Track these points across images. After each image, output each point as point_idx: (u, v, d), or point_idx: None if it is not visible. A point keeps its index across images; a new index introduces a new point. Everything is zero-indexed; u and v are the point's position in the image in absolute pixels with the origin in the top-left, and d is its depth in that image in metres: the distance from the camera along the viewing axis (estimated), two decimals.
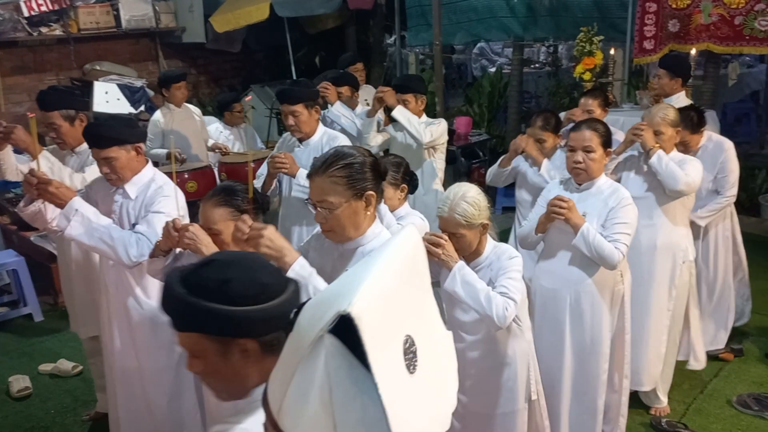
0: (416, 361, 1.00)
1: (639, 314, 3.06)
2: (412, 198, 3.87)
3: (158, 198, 2.53)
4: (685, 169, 3.01)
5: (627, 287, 2.85)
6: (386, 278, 0.98)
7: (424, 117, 3.84)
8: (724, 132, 3.99)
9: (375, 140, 3.84)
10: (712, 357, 3.74)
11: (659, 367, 3.26)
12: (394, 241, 1.06)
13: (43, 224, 2.66)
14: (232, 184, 2.27)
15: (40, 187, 2.40)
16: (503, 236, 3.84)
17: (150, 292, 2.63)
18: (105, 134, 2.50)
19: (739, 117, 8.17)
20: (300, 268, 1.81)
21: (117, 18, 6.75)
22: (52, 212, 2.58)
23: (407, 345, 0.99)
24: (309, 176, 1.92)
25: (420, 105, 3.81)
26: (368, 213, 1.92)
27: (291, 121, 3.29)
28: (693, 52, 4.94)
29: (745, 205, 5.82)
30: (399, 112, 3.68)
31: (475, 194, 2.31)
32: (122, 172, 2.54)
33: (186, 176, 4.39)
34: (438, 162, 3.91)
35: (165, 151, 4.72)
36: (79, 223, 2.39)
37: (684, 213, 3.19)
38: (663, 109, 3.14)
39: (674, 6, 5.24)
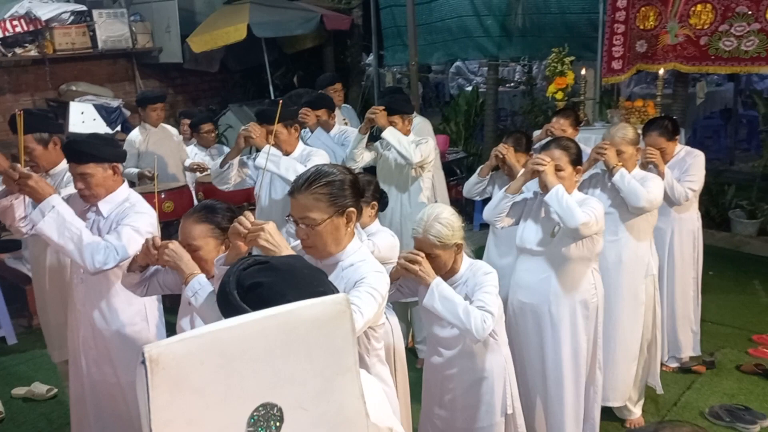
0: None
1: (607, 329, 3.11)
2: (399, 215, 3.92)
3: (131, 213, 2.56)
4: (646, 186, 3.09)
5: (600, 300, 2.91)
6: (240, 338, 1.00)
7: (412, 136, 3.86)
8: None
9: (362, 158, 3.87)
10: (685, 370, 3.82)
11: (629, 383, 3.30)
12: (295, 306, 1.08)
13: (11, 221, 2.70)
14: (214, 203, 2.31)
15: (20, 181, 2.42)
16: (480, 253, 3.88)
17: (116, 308, 2.64)
18: (84, 150, 2.53)
19: (709, 134, 8.38)
20: None
21: (93, 38, 6.72)
22: (22, 210, 2.61)
23: (261, 412, 1.02)
24: (290, 193, 1.95)
25: (407, 125, 3.82)
26: (349, 229, 1.95)
27: (272, 141, 3.33)
28: (661, 71, 5.09)
29: (715, 220, 5.94)
30: (390, 134, 3.69)
31: (449, 215, 2.35)
32: (96, 189, 2.57)
33: (163, 196, 4.38)
34: (425, 180, 3.92)
35: (137, 170, 4.72)
36: (53, 219, 2.40)
37: (647, 228, 3.27)
38: (622, 129, 3.24)
39: (642, 27, 5.39)
